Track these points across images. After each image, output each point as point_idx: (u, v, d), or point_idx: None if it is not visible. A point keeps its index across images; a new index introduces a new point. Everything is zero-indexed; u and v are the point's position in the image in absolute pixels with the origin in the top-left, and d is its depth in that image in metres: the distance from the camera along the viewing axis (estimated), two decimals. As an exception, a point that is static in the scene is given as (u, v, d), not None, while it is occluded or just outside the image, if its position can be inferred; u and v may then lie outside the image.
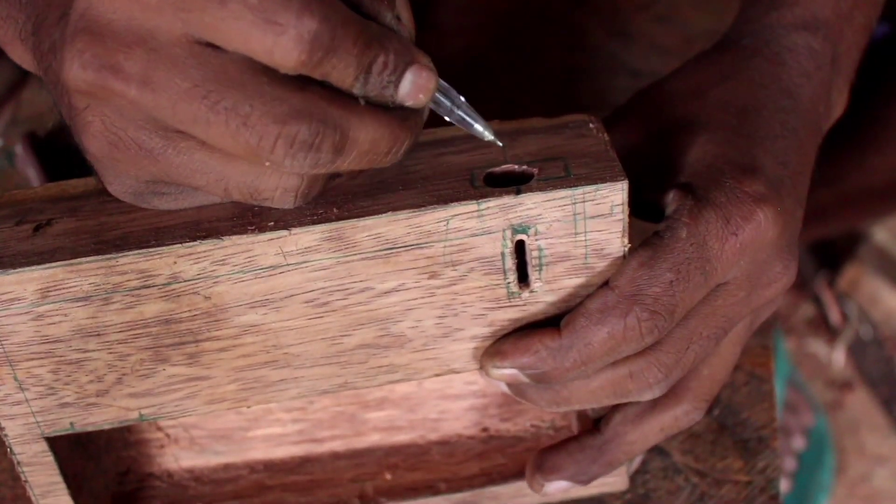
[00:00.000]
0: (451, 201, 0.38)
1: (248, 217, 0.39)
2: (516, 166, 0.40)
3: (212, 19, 0.32)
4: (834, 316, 1.36)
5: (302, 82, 0.33)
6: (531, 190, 0.38)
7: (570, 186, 0.38)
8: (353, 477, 0.50)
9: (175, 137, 0.34)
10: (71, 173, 0.43)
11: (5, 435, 0.43)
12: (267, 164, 0.34)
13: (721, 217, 0.40)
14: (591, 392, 0.42)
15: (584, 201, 0.39)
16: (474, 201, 0.38)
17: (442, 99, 0.38)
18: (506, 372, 0.42)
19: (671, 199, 0.41)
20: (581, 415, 0.47)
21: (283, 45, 0.32)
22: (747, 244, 0.40)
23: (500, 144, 0.39)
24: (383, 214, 0.38)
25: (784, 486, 1.17)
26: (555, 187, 0.38)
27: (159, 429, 0.50)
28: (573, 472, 0.45)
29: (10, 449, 0.43)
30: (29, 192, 0.42)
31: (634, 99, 0.48)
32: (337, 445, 0.51)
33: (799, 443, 1.20)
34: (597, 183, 0.38)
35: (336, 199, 0.39)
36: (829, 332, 1.36)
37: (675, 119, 0.45)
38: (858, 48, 0.49)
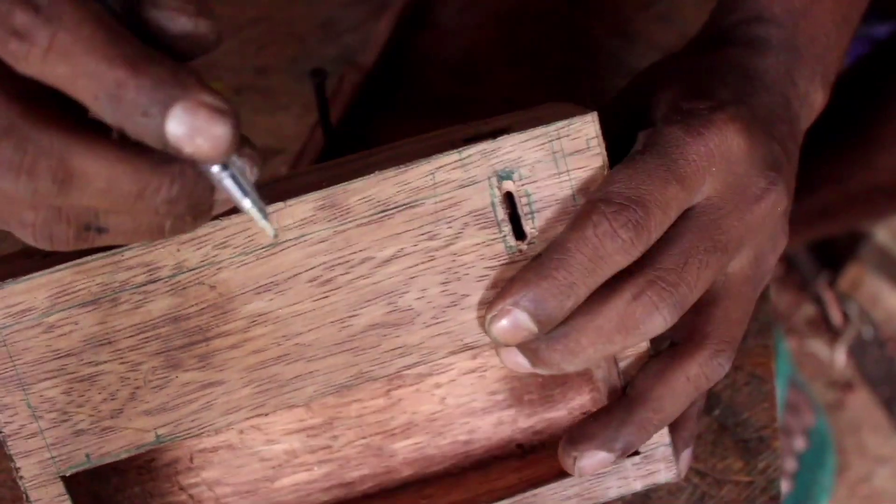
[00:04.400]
0: (434, 154, 0.40)
1: None
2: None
3: None
4: (835, 316, 1.36)
5: (24, 95, 0.31)
6: (508, 133, 0.41)
7: (544, 124, 0.40)
8: None
9: None
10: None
11: (20, 477, 0.42)
12: None
13: (678, 129, 0.41)
14: (598, 329, 0.41)
15: (559, 138, 0.40)
16: (456, 151, 0.40)
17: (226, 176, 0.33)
18: (505, 320, 0.41)
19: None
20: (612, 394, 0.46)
21: None
22: (715, 147, 0.41)
23: (274, 235, 0.38)
24: (370, 175, 0.40)
25: (785, 486, 1.16)
26: (530, 127, 0.40)
27: (182, 489, 0.49)
28: (603, 438, 0.43)
29: (27, 495, 0.42)
30: None
31: (613, 104, 0.49)
32: (368, 487, 0.49)
33: (800, 443, 1.20)
34: (567, 117, 0.41)
35: (324, 182, 0.40)
36: (831, 333, 1.36)
37: (647, 101, 0.46)
38: (829, 44, 0.50)
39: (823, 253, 1.38)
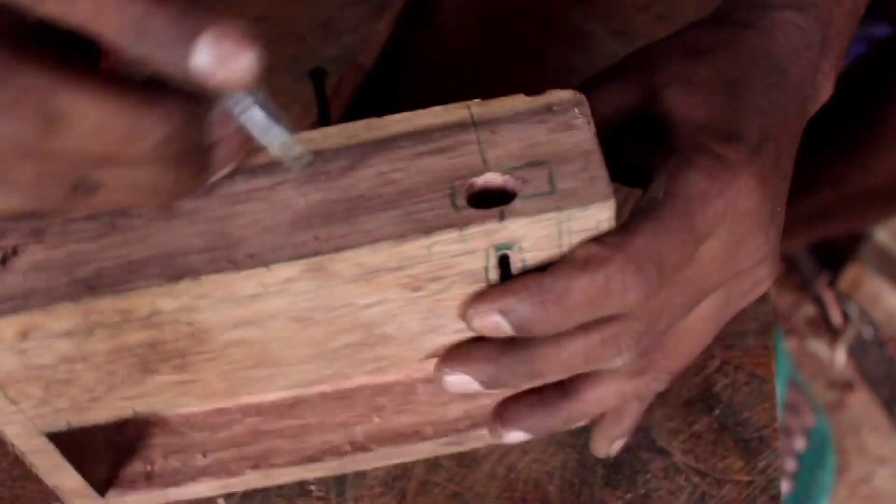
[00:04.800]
0: (433, 230, 0.37)
1: (222, 247, 0.37)
2: (500, 176, 0.38)
3: None
4: (835, 316, 1.36)
5: (4, 33, 0.30)
6: (515, 214, 0.37)
7: (557, 209, 0.37)
8: (343, 420, 0.50)
9: None
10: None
11: (5, 434, 0.43)
12: None
13: (704, 178, 0.40)
14: (562, 362, 0.41)
15: (570, 220, 0.38)
16: (457, 230, 0.37)
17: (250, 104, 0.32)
18: (487, 321, 0.39)
19: (656, 165, 0.41)
20: None
21: None
22: (729, 207, 0.40)
23: (306, 159, 0.36)
24: (363, 247, 0.37)
25: (785, 486, 1.16)
26: (540, 210, 0.37)
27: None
28: (530, 423, 0.45)
29: (11, 444, 0.43)
30: None
31: (628, 57, 0.47)
32: (326, 388, 0.51)
33: (800, 443, 1.20)
34: (584, 204, 0.37)
35: (311, 222, 0.37)
36: (831, 333, 1.36)
37: (667, 77, 0.44)
38: (846, 34, 0.49)
39: (823, 253, 1.38)
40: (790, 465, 1.19)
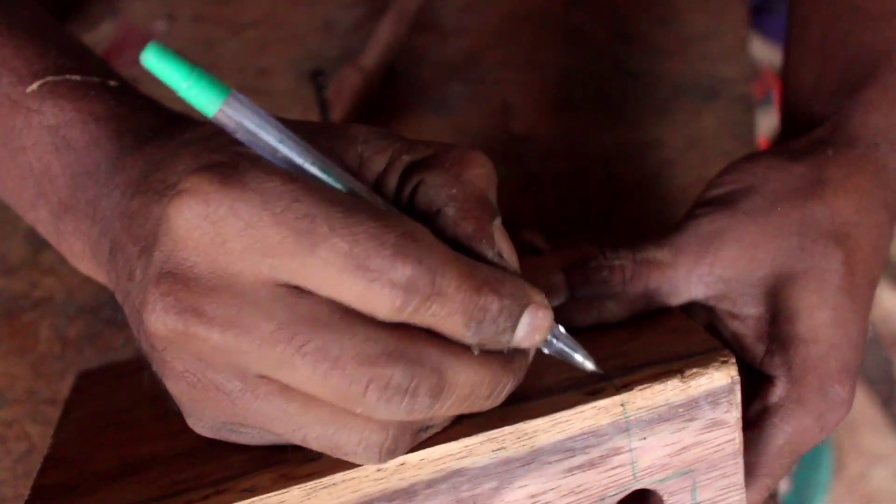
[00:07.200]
0: None
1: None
2: (647, 490, 0.38)
3: (300, 266, 0.31)
4: (833, 315, 1.36)
5: (398, 324, 0.32)
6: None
7: None
8: None
9: (255, 382, 0.33)
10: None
11: None
12: (359, 410, 0.32)
13: (817, 423, 0.43)
14: None
15: None
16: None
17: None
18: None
19: (774, 379, 0.43)
20: None
21: (376, 291, 0.31)
22: (831, 431, 0.44)
23: (602, 373, 0.37)
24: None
25: (783, 485, 1.17)
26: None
27: None
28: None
29: None
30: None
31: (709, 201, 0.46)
32: None
33: (797, 442, 1.20)
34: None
35: None
36: (828, 332, 1.36)
37: (789, 270, 0.43)
38: None
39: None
40: (788, 463, 1.19)
